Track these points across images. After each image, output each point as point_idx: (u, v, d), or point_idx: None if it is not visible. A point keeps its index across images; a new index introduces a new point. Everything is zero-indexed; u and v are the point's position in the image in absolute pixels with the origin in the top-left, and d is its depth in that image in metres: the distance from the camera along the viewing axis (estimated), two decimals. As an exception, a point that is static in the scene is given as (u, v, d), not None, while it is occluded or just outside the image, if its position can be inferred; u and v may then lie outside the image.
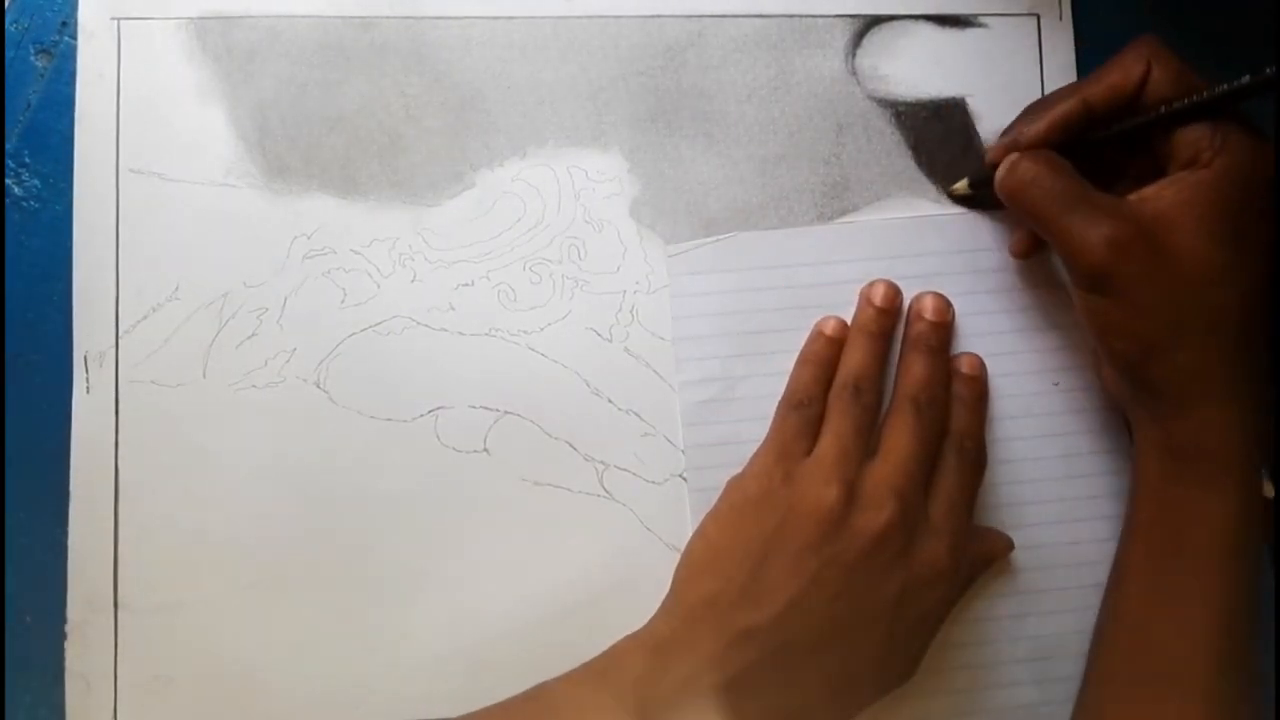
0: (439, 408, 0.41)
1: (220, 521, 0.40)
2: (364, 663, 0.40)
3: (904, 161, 0.44)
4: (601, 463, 0.41)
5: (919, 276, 0.42)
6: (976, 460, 0.40)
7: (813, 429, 0.39)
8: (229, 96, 0.42)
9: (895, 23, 0.44)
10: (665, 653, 0.36)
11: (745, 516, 0.38)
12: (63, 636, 0.39)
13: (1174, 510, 0.37)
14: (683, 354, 0.42)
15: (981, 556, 0.41)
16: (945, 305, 0.41)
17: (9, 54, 0.41)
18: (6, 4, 0.42)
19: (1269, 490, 0.43)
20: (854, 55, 0.44)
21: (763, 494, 0.38)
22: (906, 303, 0.42)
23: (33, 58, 0.42)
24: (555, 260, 0.42)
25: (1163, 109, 0.37)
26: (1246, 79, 0.35)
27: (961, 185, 0.42)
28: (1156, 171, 0.38)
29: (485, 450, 0.41)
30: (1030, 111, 0.40)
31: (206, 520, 0.40)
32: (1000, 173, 0.39)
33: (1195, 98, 0.36)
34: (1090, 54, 0.44)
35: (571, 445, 0.41)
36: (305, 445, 0.41)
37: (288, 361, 0.41)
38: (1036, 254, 0.42)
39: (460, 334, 0.41)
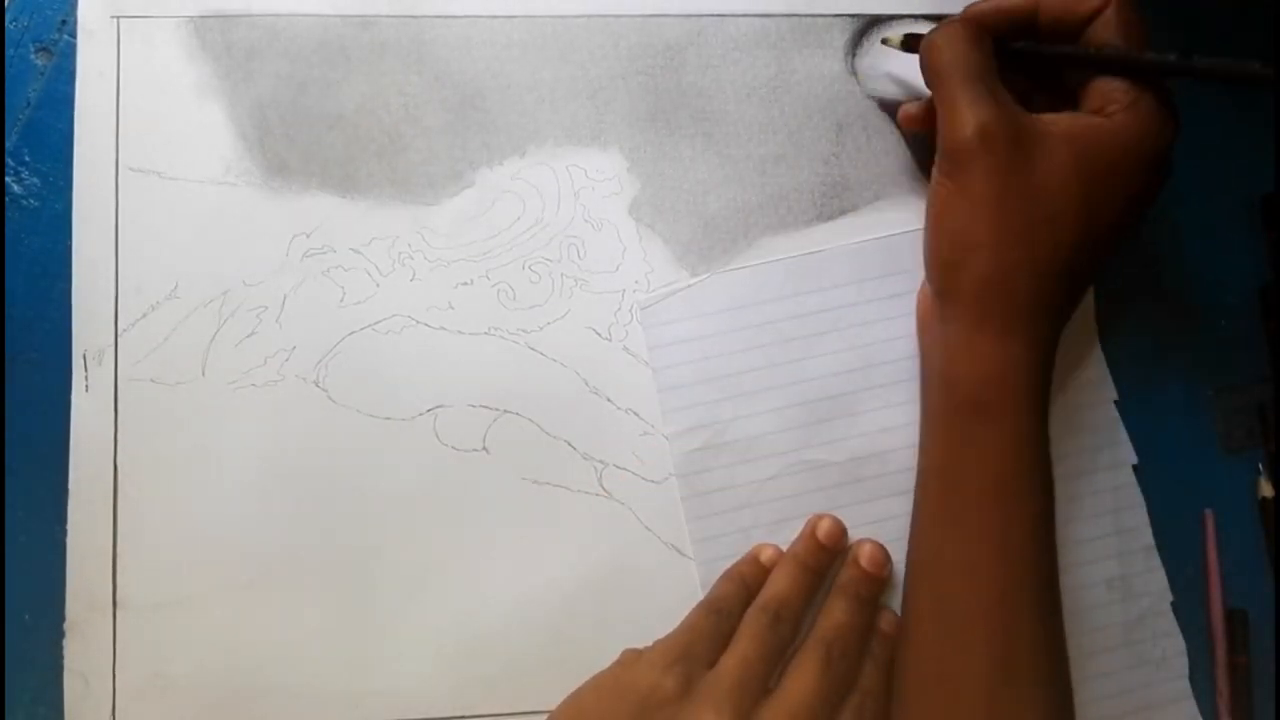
0: (438, 406, 0.41)
1: (219, 520, 0.40)
2: (362, 660, 0.40)
3: (904, 161, 0.44)
4: (600, 461, 0.41)
5: (893, 296, 0.42)
6: None
7: (724, 639, 0.38)
8: (228, 95, 0.42)
9: (895, 22, 0.44)
10: None
11: (624, 707, 0.36)
12: (61, 634, 0.39)
13: (956, 449, 0.37)
14: (668, 405, 0.41)
15: None
16: (884, 558, 0.40)
17: (9, 52, 0.41)
18: (6, 2, 0.42)
19: (1268, 490, 0.43)
20: (854, 55, 0.44)
21: (652, 691, 0.36)
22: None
23: (32, 56, 0.42)
24: (554, 259, 0.42)
25: (1094, 50, 0.37)
26: (1173, 56, 0.36)
27: (895, 37, 0.42)
28: (1070, 106, 0.38)
29: (484, 449, 0.41)
30: None
31: (205, 518, 0.40)
32: (930, 31, 0.39)
33: (1125, 52, 0.37)
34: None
35: (570, 444, 0.41)
36: (304, 444, 0.41)
37: (287, 360, 0.41)
38: (920, 129, 0.42)
39: (459, 333, 0.41)
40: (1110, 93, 0.37)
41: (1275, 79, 0.34)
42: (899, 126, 0.43)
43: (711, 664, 0.37)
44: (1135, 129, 0.36)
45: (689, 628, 0.38)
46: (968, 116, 0.36)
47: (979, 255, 0.37)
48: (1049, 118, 0.37)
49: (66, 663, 0.39)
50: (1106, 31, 0.37)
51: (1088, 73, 0.38)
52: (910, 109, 0.42)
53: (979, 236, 0.36)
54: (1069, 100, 0.39)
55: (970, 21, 0.38)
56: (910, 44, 0.41)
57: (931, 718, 0.36)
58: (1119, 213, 0.37)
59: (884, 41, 0.42)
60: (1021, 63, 0.39)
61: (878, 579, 0.40)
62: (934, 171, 0.38)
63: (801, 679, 0.37)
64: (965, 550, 0.36)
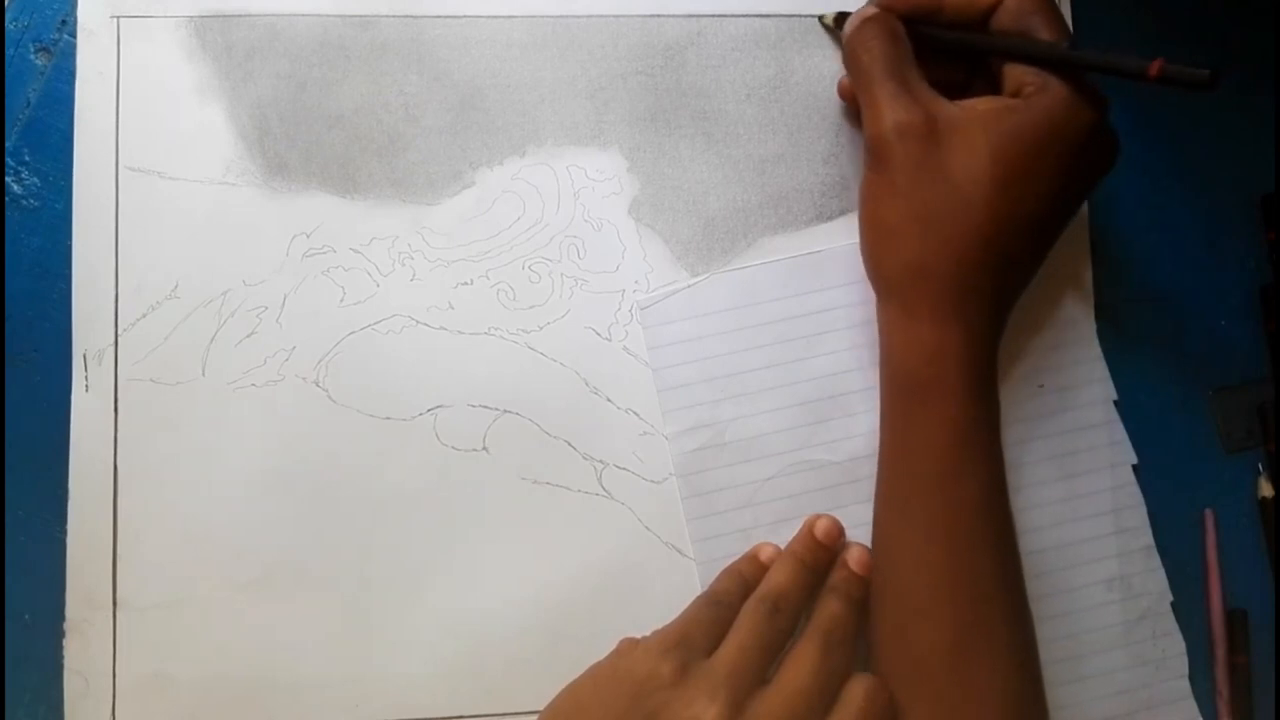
0: (438, 406, 0.41)
1: (219, 519, 0.40)
2: (362, 660, 0.40)
3: (903, 161, 0.44)
4: (600, 461, 0.41)
5: None
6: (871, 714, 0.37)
7: (722, 629, 0.37)
8: (228, 95, 0.42)
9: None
10: None
11: (621, 694, 0.36)
12: (61, 634, 0.39)
13: (900, 435, 0.38)
14: (668, 405, 0.42)
15: None
16: (870, 560, 0.40)
17: (9, 52, 0.41)
18: (6, 2, 0.42)
19: (1268, 490, 0.43)
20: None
21: (648, 677, 0.35)
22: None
23: (32, 56, 0.42)
24: (554, 259, 0.42)
25: (992, 38, 0.38)
26: (1065, 45, 0.37)
27: (830, 16, 0.43)
28: (994, 91, 0.39)
29: (484, 449, 0.41)
30: None
31: (205, 518, 0.40)
32: (849, 23, 0.40)
33: (1017, 42, 0.37)
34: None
35: (570, 444, 0.41)
36: (304, 443, 0.41)
37: (287, 360, 0.41)
38: (853, 104, 0.42)
39: (459, 333, 0.41)
40: (1023, 75, 0.38)
41: (1149, 75, 0.35)
42: (842, 98, 0.43)
43: (709, 653, 0.37)
44: (1047, 110, 0.37)
45: (687, 618, 0.38)
46: (885, 112, 0.37)
47: (901, 242, 0.37)
48: (967, 104, 0.38)
49: (66, 662, 0.39)
50: (1006, 20, 0.38)
51: (1001, 62, 0.38)
52: (845, 81, 0.43)
53: (901, 224, 0.37)
54: (993, 90, 0.39)
55: (885, 15, 0.39)
56: (842, 22, 0.42)
57: (901, 692, 0.36)
58: (1042, 196, 0.37)
59: (820, 19, 0.43)
60: (952, 50, 0.40)
61: (865, 580, 0.40)
62: (863, 165, 0.39)
63: (798, 666, 0.37)
64: (914, 533, 0.37)
